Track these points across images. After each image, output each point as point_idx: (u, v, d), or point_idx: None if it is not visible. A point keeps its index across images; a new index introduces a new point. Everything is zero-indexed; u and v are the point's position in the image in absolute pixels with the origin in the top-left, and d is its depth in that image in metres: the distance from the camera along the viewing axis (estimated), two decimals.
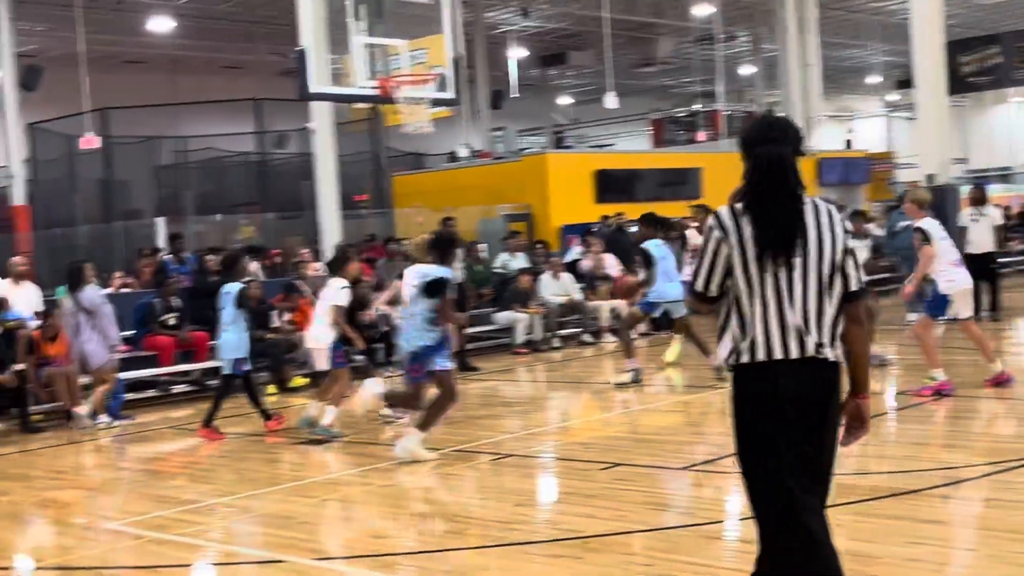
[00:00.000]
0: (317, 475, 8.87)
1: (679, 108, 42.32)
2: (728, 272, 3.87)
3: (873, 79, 47.68)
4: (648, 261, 11.82)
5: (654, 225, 12.19)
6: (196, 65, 38.54)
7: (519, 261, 17.91)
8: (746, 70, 44.99)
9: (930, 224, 10.10)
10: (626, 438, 9.59)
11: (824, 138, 30.56)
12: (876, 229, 20.06)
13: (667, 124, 39.92)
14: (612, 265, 17.92)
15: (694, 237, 15.90)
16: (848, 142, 40.43)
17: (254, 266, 15.69)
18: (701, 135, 33.96)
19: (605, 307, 16.78)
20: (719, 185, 24.86)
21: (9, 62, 22.73)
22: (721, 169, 25.59)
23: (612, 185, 23.40)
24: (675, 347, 13.37)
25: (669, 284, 11.97)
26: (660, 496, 7.16)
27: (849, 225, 3.97)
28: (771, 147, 3.88)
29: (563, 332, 16.67)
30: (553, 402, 12.48)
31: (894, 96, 49.80)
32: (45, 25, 32.23)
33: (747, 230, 3.84)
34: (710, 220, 3.94)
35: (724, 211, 3.92)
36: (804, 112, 27.85)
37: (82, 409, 11.45)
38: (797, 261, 3.80)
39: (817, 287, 3.81)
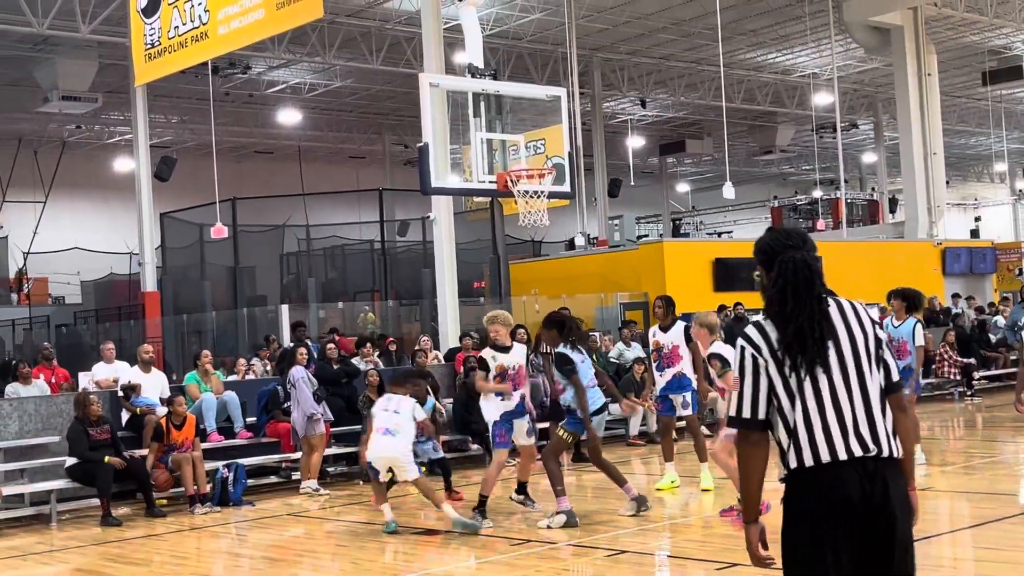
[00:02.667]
0: (435, 567, 8.88)
1: (799, 196, 42.02)
2: (771, 389, 3.78)
3: (1000, 167, 46.74)
4: (568, 368, 9.65)
5: (559, 328, 10.03)
6: (322, 155, 39.77)
7: (635, 351, 17.83)
8: (869, 158, 44.58)
9: None
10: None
11: (949, 227, 29.98)
12: (1002, 320, 19.53)
13: (787, 212, 39.64)
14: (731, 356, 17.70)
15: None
16: (974, 231, 39.53)
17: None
18: (821, 223, 33.58)
19: (722, 399, 16.56)
20: (840, 274, 24.48)
21: (144, 153, 23.72)
22: (843, 258, 25.26)
23: (731, 273, 23.26)
24: (666, 475, 12.20)
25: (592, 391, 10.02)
26: None
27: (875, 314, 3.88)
28: (794, 253, 3.85)
29: (679, 424, 16.47)
30: (668, 496, 12.30)
31: (1022, 184, 48.74)
32: (179, 117, 33.69)
33: (774, 338, 3.78)
34: (739, 341, 3.83)
35: (750, 328, 3.84)
36: (928, 201, 27.36)
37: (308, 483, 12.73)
38: (833, 360, 3.73)
39: (859, 383, 3.74)
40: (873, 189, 42.24)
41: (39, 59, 26.47)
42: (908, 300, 12.31)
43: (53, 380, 14.22)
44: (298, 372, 13.03)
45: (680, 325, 11.82)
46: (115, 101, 29.37)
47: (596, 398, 10.10)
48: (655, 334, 12.03)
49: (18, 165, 34.66)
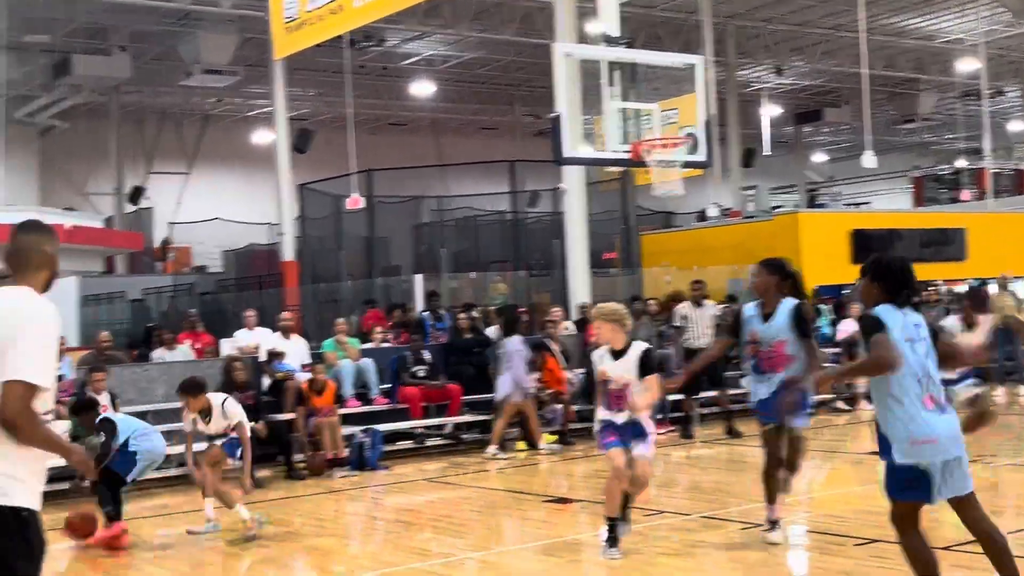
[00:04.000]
0: (565, 535, 8.93)
1: (942, 166, 40.73)
2: None
3: None
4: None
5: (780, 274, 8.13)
6: (455, 127, 40.05)
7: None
8: (1015, 126, 42.93)
9: None
10: (883, 512, 9.19)
11: None
12: None
13: (929, 182, 38.49)
14: None
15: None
16: None
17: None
18: (966, 194, 32.49)
19: None
20: (985, 246, 23.76)
21: (283, 125, 24.23)
22: (988, 230, 24.45)
23: (869, 245, 22.69)
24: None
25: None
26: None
27: None
28: None
29: (816, 398, 16.20)
30: (805, 471, 12.12)
31: None
32: (315, 90, 34.29)
33: None
34: None
35: None
36: None
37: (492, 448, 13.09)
38: None
39: None
40: (1020, 159, 40.68)
41: (182, 34, 27.20)
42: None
43: (198, 346, 14.68)
44: (514, 343, 13.67)
45: None
46: (255, 74, 30.02)
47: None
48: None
49: (163, 138, 35.80)
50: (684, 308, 14.78)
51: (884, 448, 5.49)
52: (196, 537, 9.37)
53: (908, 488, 5.44)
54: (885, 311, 5.47)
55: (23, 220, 4.17)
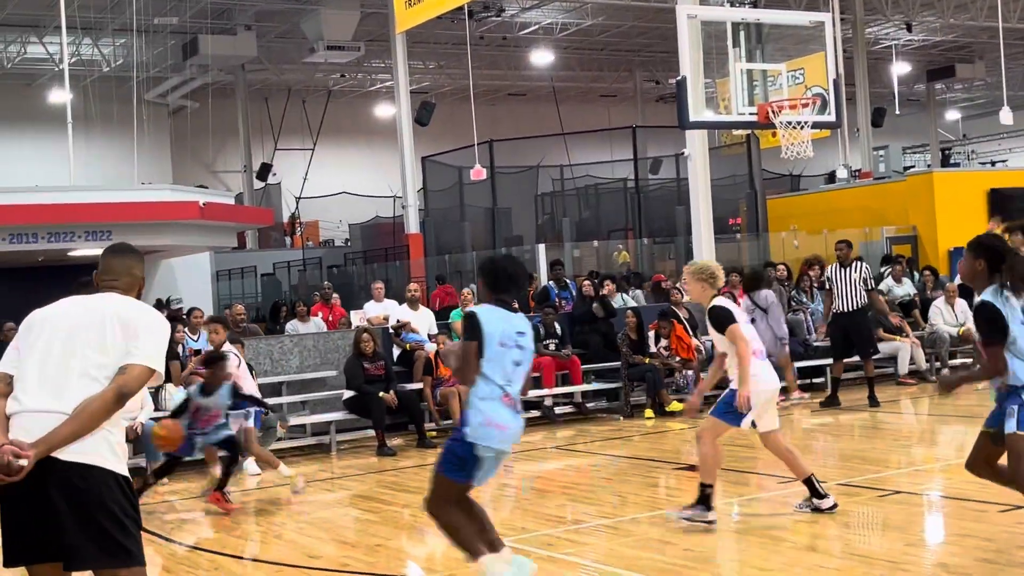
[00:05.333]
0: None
1: None
2: None
3: None
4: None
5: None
6: (573, 95, 39.87)
7: (906, 287, 17.13)
8: None
9: None
10: None
11: None
12: None
13: None
14: None
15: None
16: None
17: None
18: None
19: None
20: None
21: (405, 99, 24.43)
22: None
23: (1008, 204, 21.92)
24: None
25: None
26: None
27: None
28: None
29: (954, 362, 15.79)
30: (943, 436, 11.84)
31: None
32: (435, 63, 34.51)
33: None
34: None
35: None
36: None
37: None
38: None
39: None
40: None
41: (305, 11, 27.63)
42: None
43: (330, 318, 14.95)
44: (770, 296, 13.91)
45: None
46: (376, 49, 30.35)
47: None
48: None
49: (288, 115, 36.50)
50: (830, 271, 14.15)
51: None
52: (330, 506, 9.56)
53: None
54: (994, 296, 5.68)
55: (114, 244, 4.64)
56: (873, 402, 13.35)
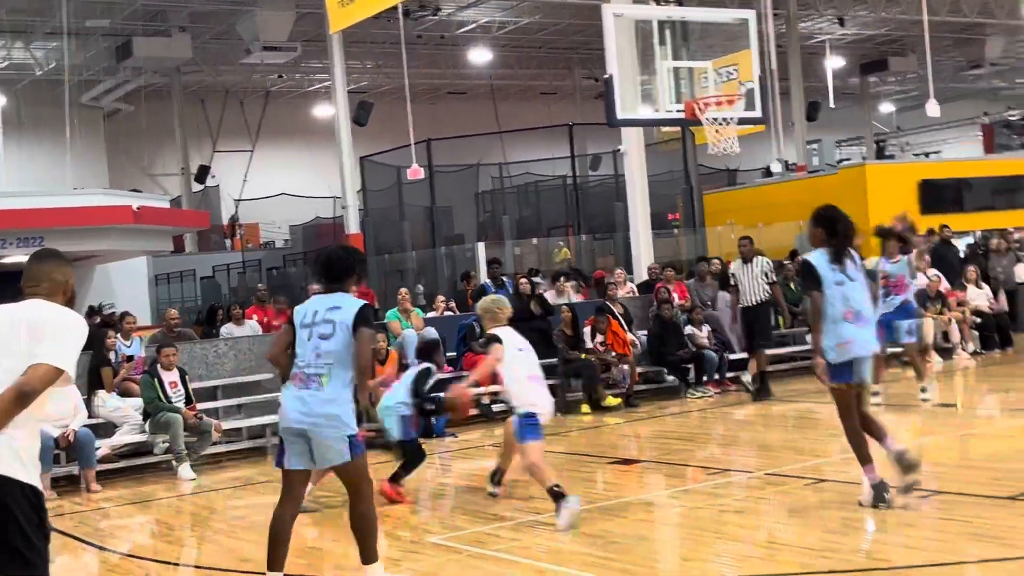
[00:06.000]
0: (632, 495, 8.98)
1: (1012, 111, 39.81)
2: None
3: None
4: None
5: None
6: (513, 93, 39.95)
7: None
8: None
9: None
10: (951, 464, 9.15)
11: None
12: None
13: (999, 128, 37.67)
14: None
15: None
16: None
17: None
18: None
19: (931, 325, 16.01)
20: None
21: (343, 99, 24.35)
22: None
23: (938, 195, 22.34)
24: None
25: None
26: (982, 527, 6.78)
27: None
28: None
29: (891, 350, 16.01)
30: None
31: None
32: (373, 62, 34.42)
33: None
34: None
35: None
36: None
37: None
38: None
39: None
40: None
41: (240, 12, 27.44)
42: (902, 240, 12.19)
43: (265, 320, 14.90)
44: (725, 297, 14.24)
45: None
46: (313, 49, 30.19)
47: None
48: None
49: (226, 116, 36.22)
50: (733, 266, 14.49)
51: None
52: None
53: None
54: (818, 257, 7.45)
55: (38, 250, 4.69)
56: (764, 394, 13.53)
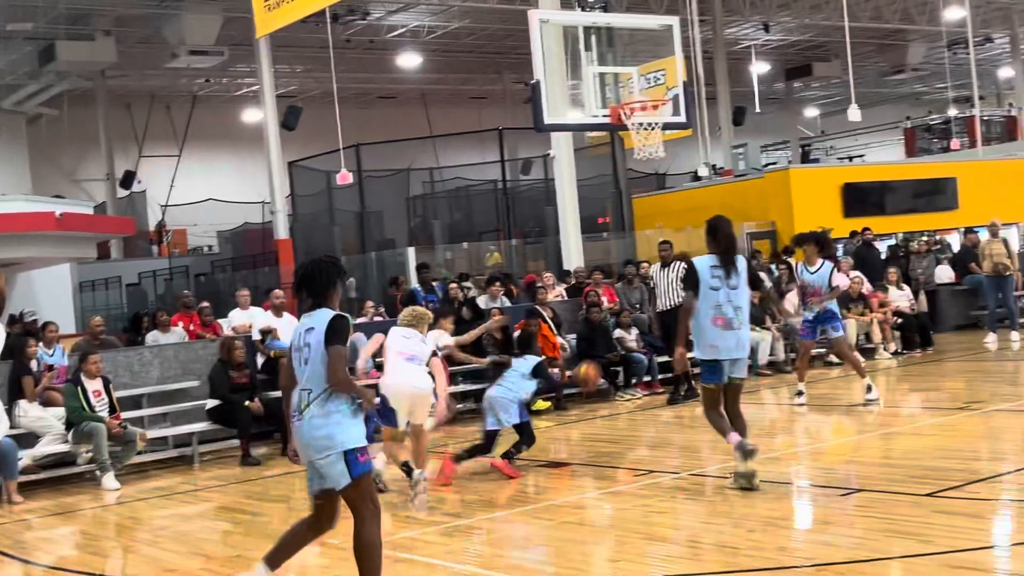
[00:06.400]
0: (561, 498, 9.03)
1: (933, 115, 40.65)
2: None
3: None
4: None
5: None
6: (444, 98, 39.94)
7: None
8: (1005, 72, 42.82)
9: None
10: (871, 463, 9.32)
11: None
12: None
13: (920, 132, 38.42)
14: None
15: None
16: None
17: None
18: (956, 143, 32.44)
19: (853, 326, 16.30)
20: (975, 195, 23.76)
21: (271, 104, 24.20)
22: (978, 178, 24.44)
23: (861, 199, 22.73)
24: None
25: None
26: (900, 523, 6.93)
27: None
28: None
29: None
30: (798, 425, 12.23)
31: None
32: (302, 67, 34.20)
33: None
34: None
35: None
36: None
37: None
38: None
39: None
40: (1010, 105, 40.55)
41: (166, 16, 27.13)
42: (820, 244, 12.45)
43: (191, 327, 14.74)
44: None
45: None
46: (241, 54, 29.95)
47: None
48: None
49: (152, 121, 35.76)
50: (652, 270, 14.56)
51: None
52: (192, 519, 9.46)
53: None
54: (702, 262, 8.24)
55: None
56: (690, 395, 13.65)
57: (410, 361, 9.09)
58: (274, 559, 6.01)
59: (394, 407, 9.05)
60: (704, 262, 8.25)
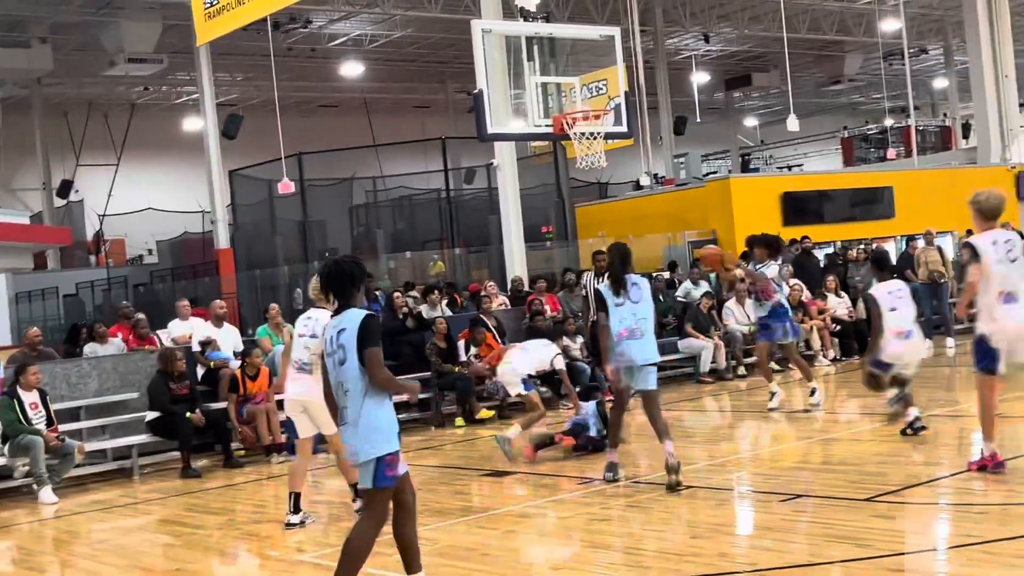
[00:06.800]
0: (504, 507, 9.03)
1: (870, 125, 41.29)
2: None
3: None
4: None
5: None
6: (386, 106, 39.87)
7: (702, 288, 17.76)
8: (940, 83, 43.60)
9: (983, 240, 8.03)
10: (811, 468, 9.44)
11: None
12: None
13: (858, 142, 39.00)
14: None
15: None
16: None
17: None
18: (892, 152, 32.97)
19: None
20: (911, 203, 24.17)
21: (211, 112, 24.00)
22: (914, 187, 24.85)
23: (800, 207, 23.01)
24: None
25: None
26: (839, 528, 7.02)
27: None
28: None
29: (749, 360, 16.46)
30: (738, 432, 12.35)
31: None
32: (243, 75, 33.98)
33: None
34: None
35: None
36: (1001, 124, 26.72)
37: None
38: None
39: None
40: (945, 115, 41.34)
41: (104, 23, 26.82)
42: (770, 246, 12.68)
43: (130, 338, 14.55)
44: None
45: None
46: (181, 61, 29.69)
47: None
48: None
49: (90, 129, 35.29)
50: (586, 279, 14.45)
51: None
52: (131, 532, 9.33)
53: None
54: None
55: None
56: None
57: (300, 371, 8.70)
58: (411, 566, 6.07)
59: (291, 418, 8.85)
60: (606, 285, 9.23)
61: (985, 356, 7.87)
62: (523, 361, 11.58)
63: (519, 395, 11.54)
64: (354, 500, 8.82)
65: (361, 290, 5.93)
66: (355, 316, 5.77)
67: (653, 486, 8.94)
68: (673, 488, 8.44)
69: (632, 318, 8.97)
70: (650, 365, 8.92)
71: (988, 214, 8.12)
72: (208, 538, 8.87)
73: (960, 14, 29.00)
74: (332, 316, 5.95)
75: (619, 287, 9.10)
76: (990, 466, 7.94)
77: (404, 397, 6.08)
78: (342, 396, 5.78)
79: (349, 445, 5.80)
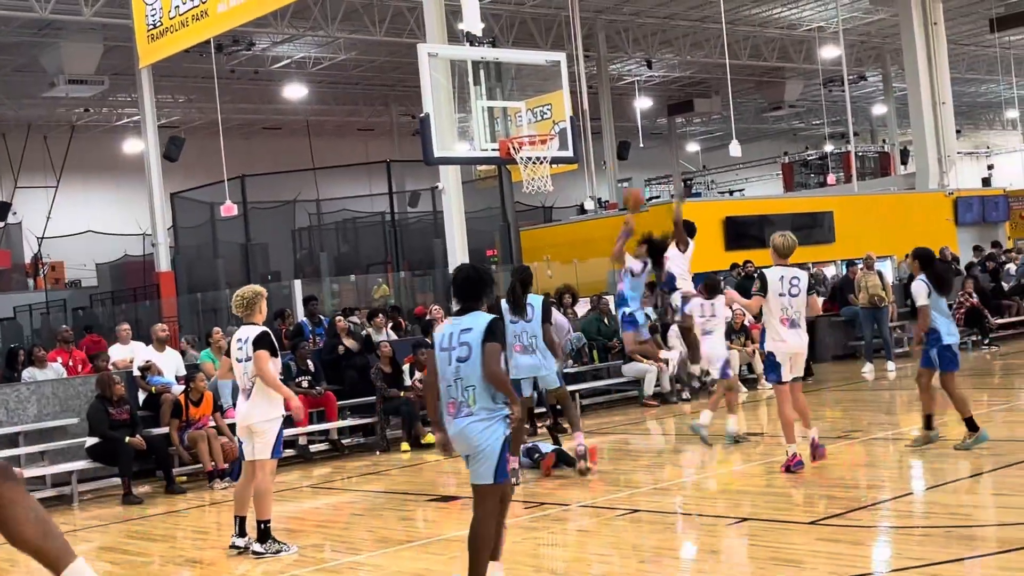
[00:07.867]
0: (451, 532, 8.98)
1: (810, 151, 41.87)
2: None
3: (1011, 114, 46.38)
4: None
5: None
6: (330, 129, 39.77)
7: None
8: (878, 110, 44.34)
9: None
10: (757, 492, 9.49)
11: (963, 176, 29.86)
12: (1013, 268, 19.49)
13: (798, 167, 39.52)
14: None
15: None
16: (986, 179, 39.30)
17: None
18: (832, 178, 33.46)
19: (736, 357, 16.59)
20: (851, 228, 24.52)
21: (152, 134, 23.78)
22: (853, 212, 25.23)
23: (742, 232, 23.24)
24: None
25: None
26: (785, 551, 7.07)
27: None
28: None
29: (693, 383, 16.58)
30: (684, 455, 12.39)
31: None
32: (185, 97, 33.72)
33: None
34: None
35: None
36: (939, 150, 27.22)
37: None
38: None
39: None
40: (884, 141, 42.04)
41: (44, 44, 26.51)
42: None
43: (70, 363, 14.35)
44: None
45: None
46: (122, 83, 29.40)
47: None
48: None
49: (28, 151, 34.78)
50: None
51: None
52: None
53: None
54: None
55: None
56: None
57: (244, 394, 8.61)
58: (492, 553, 6.31)
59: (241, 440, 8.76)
60: (505, 307, 10.23)
61: (773, 369, 9.77)
62: None
63: None
64: (238, 535, 8.59)
65: (488, 297, 6.33)
66: (482, 318, 6.12)
67: (599, 510, 8.96)
68: (583, 473, 10.04)
69: (525, 336, 10.18)
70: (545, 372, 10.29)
71: (782, 253, 9.96)
72: (150, 566, 8.74)
73: (898, 42, 29.57)
74: (453, 316, 6.28)
75: (519, 308, 10.10)
76: (792, 465, 9.52)
77: (515, 411, 6.26)
78: (458, 391, 6.04)
79: (470, 440, 6.02)
